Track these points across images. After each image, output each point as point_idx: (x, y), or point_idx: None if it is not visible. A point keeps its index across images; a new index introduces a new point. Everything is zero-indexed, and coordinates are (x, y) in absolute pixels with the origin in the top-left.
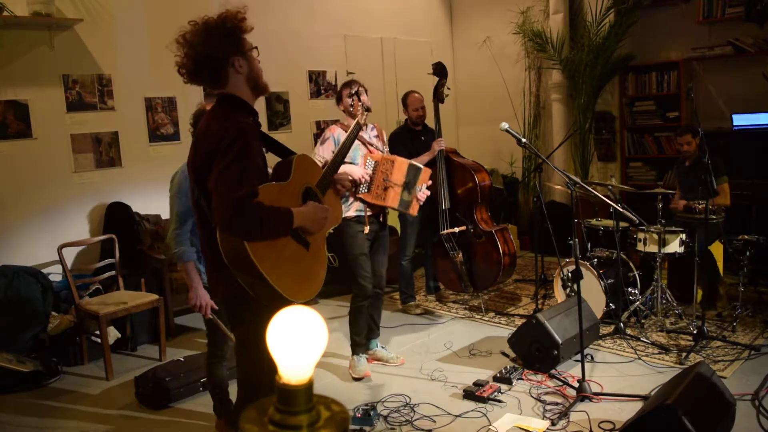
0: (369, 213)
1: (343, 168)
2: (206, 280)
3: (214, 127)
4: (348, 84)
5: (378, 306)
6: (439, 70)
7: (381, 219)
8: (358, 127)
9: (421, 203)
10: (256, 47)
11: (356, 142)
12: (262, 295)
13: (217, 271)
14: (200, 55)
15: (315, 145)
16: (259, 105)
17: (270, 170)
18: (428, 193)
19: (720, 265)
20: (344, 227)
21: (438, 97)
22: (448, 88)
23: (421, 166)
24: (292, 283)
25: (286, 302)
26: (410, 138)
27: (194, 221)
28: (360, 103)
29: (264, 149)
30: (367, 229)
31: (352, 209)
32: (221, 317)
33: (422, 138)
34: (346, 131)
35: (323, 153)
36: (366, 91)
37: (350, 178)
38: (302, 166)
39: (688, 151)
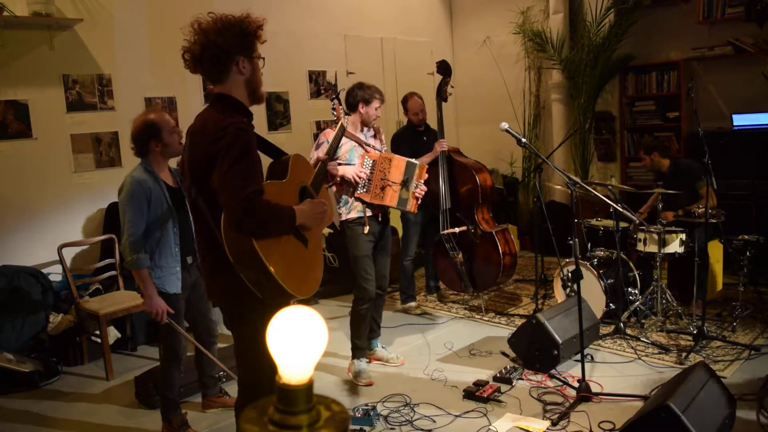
0: (369, 214)
1: (337, 170)
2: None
3: (211, 126)
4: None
5: (380, 306)
6: (443, 68)
7: (380, 219)
8: (342, 129)
9: (419, 200)
10: (263, 58)
11: (352, 143)
12: (267, 291)
13: (216, 271)
14: (210, 43)
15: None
16: (259, 104)
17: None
18: (425, 188)
19: (720, 265)
20: (346, 229)
21: (441, 95)
22: (452, 87)
23: (417, 162)
24: (296, 280)
25: (289, 298)
26: (412, 139)
27: (146, 227)
28: (341, 107)
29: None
30: (366, 229)
31: (353, 211)
32: (179, 321)
33: (424, 138)
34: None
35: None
36: (362, 87)
37: (341, 175)
38: (298, 165)
39: (652, 166)
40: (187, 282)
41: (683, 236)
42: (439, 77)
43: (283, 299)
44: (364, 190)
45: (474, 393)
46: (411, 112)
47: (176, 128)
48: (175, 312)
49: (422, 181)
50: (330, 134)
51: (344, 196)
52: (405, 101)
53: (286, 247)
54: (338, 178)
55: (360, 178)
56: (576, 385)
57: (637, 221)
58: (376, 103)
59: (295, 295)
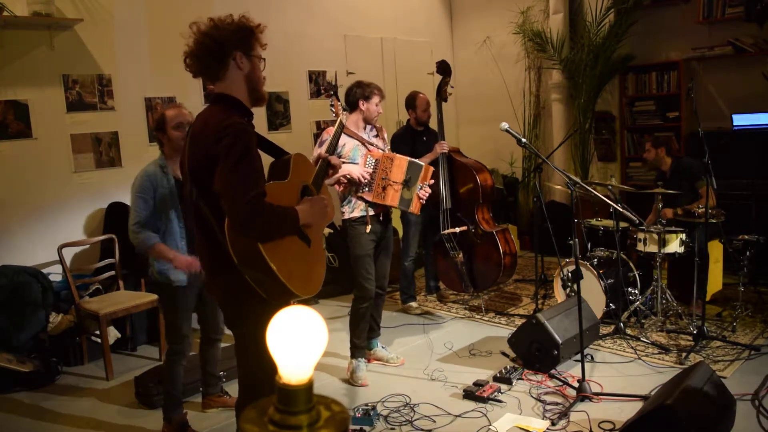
0: (371, 213)
1: (342, 168)
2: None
3: (211, 126)
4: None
5: (380, 306)
6: (443, 68)
7: (381, 218)
8: (341, 125)
9: (423, 201)
10: (264, 59)
11: (355, 142)
12: (271, 291)
13: (216, 270)
14: (208, 38)
15: (314, 145)
16: (261, 106)
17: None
18: (429, 191)
19: (720, 265)
20: (348, 228)
21: (441, 95)
22: (452, 87)
23: (422, 163)
24: (299, 279)
25: (293, 298)
26: (412, 139)
27: (152, 219)
28: (339, 104)
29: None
30: (368, 229)
31: (356, 210)
32: (187, 315)
33: (424, 138)
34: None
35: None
36: (361, 85)
37: (348, 176)
38: (299, 164)
39: (655, 161)
40: (199, 277)
41: (683, 236)
42: (438, 77)
43: (286, 298)
44: (367, 189)
45: (474, 393)
46: (420, 109)
47: (183, 124)
48: (181, 305)
49: (427, 183)
50: (332, 131)
51: (348, 195)
52: (413, 99)
53: (289, 246)
54: (344, 178)
55: (365, 177)
56: (576, 385)
57: (637, 221)
58: (375, 99)
59: (299, 295)
